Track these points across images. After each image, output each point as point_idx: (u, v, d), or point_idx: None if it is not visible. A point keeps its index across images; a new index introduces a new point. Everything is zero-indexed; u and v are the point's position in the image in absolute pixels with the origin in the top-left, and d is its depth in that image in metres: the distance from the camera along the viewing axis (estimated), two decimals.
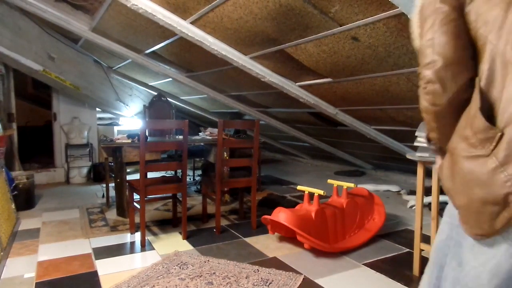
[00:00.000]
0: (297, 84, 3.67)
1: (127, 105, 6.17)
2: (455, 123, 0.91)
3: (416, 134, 2.14)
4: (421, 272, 2.30)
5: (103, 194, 4.38)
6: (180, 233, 3.09)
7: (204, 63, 3.99)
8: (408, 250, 2.75)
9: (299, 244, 2.74)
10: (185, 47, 3.59)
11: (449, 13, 0.86)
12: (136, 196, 2.96)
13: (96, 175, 5.56)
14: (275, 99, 4.57)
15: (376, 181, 5.26)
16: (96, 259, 2.63)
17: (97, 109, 6.13)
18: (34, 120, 7.43)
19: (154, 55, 4.25)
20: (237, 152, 4.47)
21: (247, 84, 4.23)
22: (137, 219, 3.03)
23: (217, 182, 3.05)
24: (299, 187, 2.96)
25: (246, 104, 5.30)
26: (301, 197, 3.50)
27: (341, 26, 2.33)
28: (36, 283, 2.27)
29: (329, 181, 3.10)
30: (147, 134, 3.87)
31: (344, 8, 2.12)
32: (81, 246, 2.88)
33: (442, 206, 3.93)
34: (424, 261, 2.31)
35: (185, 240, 2.99)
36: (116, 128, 6.27)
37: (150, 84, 5.92)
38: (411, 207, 3.94)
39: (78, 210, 3.91)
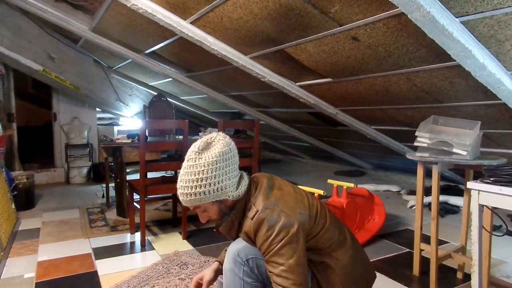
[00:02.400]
0: (297, 84, 3.67)
1: (127, 105, 6.17)
2: None
3: (416, 134, 2.14)
4: (421, 272, 2.31)
5: (103, 194, 4.38)
6: (180, 233, 3.09)
7: (204, 63, 3.99)
8: (408, 250, 2.75)
9: None
10: (185, 47, 3.59)
11: None
12: (136, 196, 2.96)
13: (96, 175, 5.56)
14: (275, 99, 4.56)
15: (376, 181, 5.26)
16: (96, 259, 2.63)
17: (97, 109, 6.13)
18: (34, 120, 7.43)
19: (154, 55, 4.25)
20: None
21: (247, 84, 4.22)
22: (137, 219, 3.03)
23: None
24: (299, 187, 2.95)
25: (246, 104, 5.30)
26: None
27: (341, 26, 2.32)
28: (36, 283, 2.27)
29: (329, 181, 3.10)
30: (147, 134, 3.87)
31: (344, 8, 2.12)
32: (81, 246, 2.88)
33: (442, 206, 3.95)
34: (424, 261, 2.31)
35: (185, 240, 2.99)
36: (116, 128, 6.28)
37: (150, 84, 5.92)
38: (411, 207, 3.94)
39: (78, 210, 3.91)
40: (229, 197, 1.36)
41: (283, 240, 1.28)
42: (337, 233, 1.45)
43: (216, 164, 1.32)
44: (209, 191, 1.32)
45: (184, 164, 1.36)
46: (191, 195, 1.33)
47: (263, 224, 1.31)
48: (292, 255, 1.27)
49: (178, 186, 1.37)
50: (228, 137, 1.41)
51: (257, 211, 1.34)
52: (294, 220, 1.31)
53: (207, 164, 1.31)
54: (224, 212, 1.41)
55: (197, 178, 1.31)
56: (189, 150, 1.37)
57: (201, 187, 1.31)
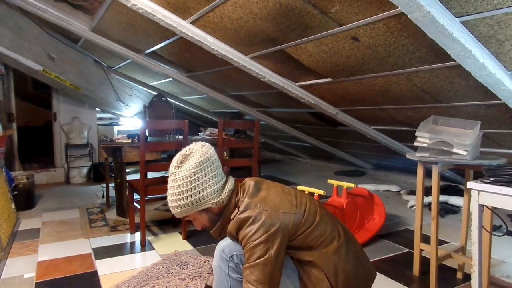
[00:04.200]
0: (297, 84, 3.67)
1: (127, 105, 6.17)
2: None
3: (416, 134, 2.14)
4: (421, 272, 2.31)
5: (103, 194, 4.38)
6: (180, 233, 3.09)
7: (204, 63, 3.99)
8: (408, 250, 2.75)
9: None
10: (185, 47, 3.59)
11: None
12: (136, 196, 2.96)
13: (96, 175, 5.56)
14: (275, 99, 4.57)
15: (376, 181, 5.26)
16: (96, 259, 2.63)
17: (97, 109, 6.13)
18: (34, 120, 7.43)
19: (154, 55, 4.25)
20: (237, 152, 4.47)
21: (247, 84, 4.23)
22: (137, 219, 3.03)
23: None
24: (299, 187, 2.96)
25: (246, 104, 5.30)
26: None
27: (341, 26, 2.33)
28: (36, 283, 2.27)
29: (329, 181, 3.10)
30: (147, 134, 3.87)
31: (344, 8, 2.12)
32: (81, 246, 2.88)
33: (442, 206, 3.95)
34: (424, 261, 2.31)
35: (185, 240, 2.99)
36: (116, 128, 6.27)
37: (150, 84, 5.92)
38: (411, 207, 3.94)
39: (78, 210, 3.91)
40: (212, 205, 1.40)
41: (259, 239, 1.30)
42: (329, 230, 1.44)
43: (194, 175, 1.36)
44: (191, 202, 1.38)
45: (169, 179, 1.43)
46: (177, 207, 1.41)
47: (244, 223, 1.34)
48: (264, 254, 1.30)
49: (167, 200, 1.45)
50: (206, 145, 1.44)
51: (237, 211, 1.38)
52: (276, 220, 1.33)
53: (185, 177, 1.36)
54: (214, 219, 1.46)
55: (178, 192, 1.38)
56: (171, 165, 1.43)
57: (183, 199, 1.38)
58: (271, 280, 1.31)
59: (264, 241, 1.30)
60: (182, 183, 1.37)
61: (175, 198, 1.39)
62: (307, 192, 2.79)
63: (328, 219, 1.47)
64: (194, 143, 1.46)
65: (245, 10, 2.50)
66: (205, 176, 1.38)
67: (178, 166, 1.40)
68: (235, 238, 1.41)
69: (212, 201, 1.39)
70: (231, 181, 1.47)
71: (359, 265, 1.49)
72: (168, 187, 1.43)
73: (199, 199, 1.38)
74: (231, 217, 1.40)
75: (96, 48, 4.68)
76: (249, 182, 1.48)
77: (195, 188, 1.37)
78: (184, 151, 1.43)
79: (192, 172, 1.36)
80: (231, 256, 1.44)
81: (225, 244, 1.47)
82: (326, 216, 1.48)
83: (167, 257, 2.64)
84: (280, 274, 1.35)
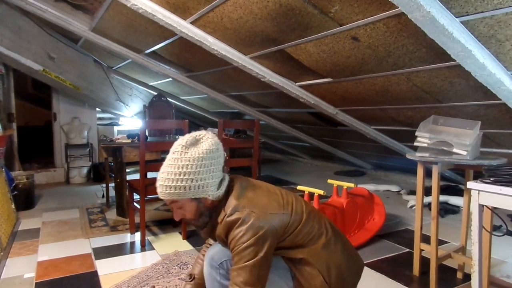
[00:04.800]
0: (297, 84, 3.67)
1: (127, 105, 6.17)
2: None
3: (416, 134, 2.14)
4: (421, 272, 2.31)
5: (103, 194, 4.38)
6: (180, 233, 3.09)
7: (204, 63, 3.99)
8: (408, 250, 2.75)
9: None
10: (185, 47, 3.59)
11: None
12: (136, 196, 2.96)
13: (96, 175, 5.56)
14: (275, 99, 4.57)
15: (376, 181, 5.26)
16: (96, 259, 2.63)
17: (97, 109, 6.13)
18: (34, 120, 7.44)
19: (154, 55, 4.25)
20: (237, 152, 4.47)
21: (247, 84, 4.23)
22: (137, 219, 3.03)
23: None
24: (299, 187, 2.96)
25: (246, 104, 5.30)
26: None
27: (341, 26, 2.33)
28: (36, 283, 2.27)
29: (329, 181, 3.09)
30: (147, 134, 3.87)
31: (344, 8, 2.12)
32: (81, 246, 2.88)
33: (442, 206, 3.95)
34: (424, 261, 2.31)
35: (185, 240, 2.99)
36: (116, 128, 6.28)
37: (150, 84, 5.92)
38: (411, 207, 3.94)
39: (78, 210, 3.91)
40: (209, 196, 1.34)
41: (247, 242, 1.27)
42: (316, 227, 1.43)
43: (202, 161, 1.30)
44: (190, 187, 1.30)
45: (169, 156, 1.33)
46: (170, 188, 1.30)
47: (233, 225, 1.30)
48: (253, 257, 1.27)
49: (158, 178, 1.34)
50: (217, 137, 1.40)
51: (225, 214, 1.33)
52: (265, 222, 1.30)
53: (192, 159, 1.29)
54: (202, 212, 1.38)
55: (180, 172, 1.29)
56: (176, 143, 1.34)
57: (182, 181, 1.29)
58: (258, 282, 1.29)
59: (253, 244, 1.27)
60: (187, 164, 1.28)
61: (173, 178, 1.29)
62: (307, 192, 2.79)
63: (314, 216, 1.46)
64: (204, 131, 1.40)
65: (245, 10, 2.50)
66: (211, 166, 1.32)
67: (186, 147, 1.31)
68: (225, 241, 1.38)
69: (210, 192, 1.33)
70: (227, 179, 1.43)
71: (348, 257, 1.48)
72: (165, 164, 1.32)
73: (198, 186, 1.30)
74: (219, 220, 1.35)
75: (96, 48, 4.68)
76: (236, 181, 1.44)
77: (198, 174, 1.29)
78: (194, 134, 1.37)
79: (201, 156, 1.30)
80: (221, 263, 1.44)
81: (214, 251, 1.46)
82: (312, 212, 1.47)
83: (167, 257, 2.64)
84: (267, 275, 1.33)
